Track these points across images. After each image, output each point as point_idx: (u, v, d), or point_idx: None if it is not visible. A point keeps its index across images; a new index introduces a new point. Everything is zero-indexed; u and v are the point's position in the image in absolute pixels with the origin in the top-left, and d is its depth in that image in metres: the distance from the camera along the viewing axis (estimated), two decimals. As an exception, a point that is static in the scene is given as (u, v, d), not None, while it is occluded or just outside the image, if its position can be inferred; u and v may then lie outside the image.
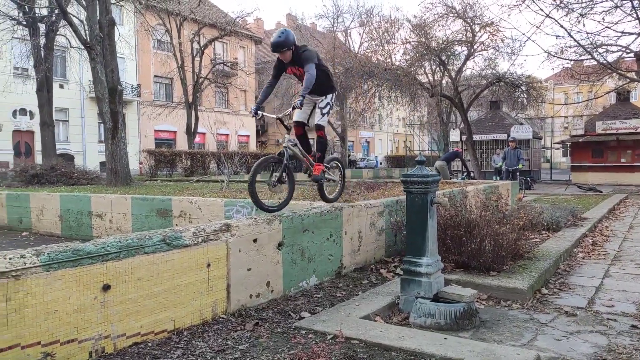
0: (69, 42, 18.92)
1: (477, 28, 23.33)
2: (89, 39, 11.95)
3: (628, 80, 17.36)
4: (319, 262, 4.39)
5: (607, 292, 4.48)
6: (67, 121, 30.09)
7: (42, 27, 17.65)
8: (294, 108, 4.35)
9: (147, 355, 2.74)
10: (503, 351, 2.76)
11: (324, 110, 4.67)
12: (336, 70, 27.40)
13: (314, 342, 2.89)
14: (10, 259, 2.40)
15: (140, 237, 2.99)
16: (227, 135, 40.39)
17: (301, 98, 4.23)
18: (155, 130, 35.10)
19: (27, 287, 2.39)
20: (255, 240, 3.71)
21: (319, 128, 4.71)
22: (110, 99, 12.07)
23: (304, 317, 3.46)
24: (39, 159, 23.15)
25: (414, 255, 3.73)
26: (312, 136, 4.81)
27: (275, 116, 4.52)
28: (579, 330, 3.51)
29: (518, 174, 13.21)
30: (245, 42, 37.52)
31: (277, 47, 4.31)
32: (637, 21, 13.65)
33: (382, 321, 3.48)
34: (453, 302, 3.62)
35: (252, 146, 41.68)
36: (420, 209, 3.66)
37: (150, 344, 2.88)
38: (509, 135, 24.93)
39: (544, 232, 6.96)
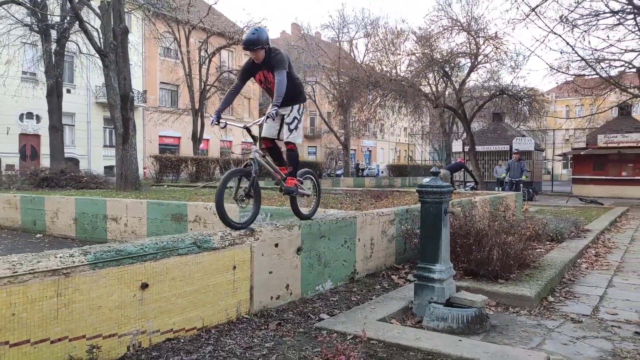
0: (79, 48, 19.25)
1: (481, 41, 23.65)
2: (102, 47, 12.20)
3: (630, 95, 17.58)
4: (334, 267, 4.57)
5: (610, 300, 4.65)
6: (74, 125, 30.37)
7: (53, 33, 17.93)
8: (267, 118, 3.98)
9: (180, 350, 2.92)
10: (515, 352, 2.94)
11: (292, 126, 4.32)
12: (341, 80, 27.74)
13: (336, 341, 3.06)
14: (60, 257, 2.59)
15: (174, 240, 3.18)
16: (231, 141, 40.68)
17: (276, 108, 3.91)
18: (160, 136, 35.40)
19: (76, 284, 2.57)
20: (276, 245, 3.90)
21: (288, 143, 4.37)
22: (122, 105, 12.31)
23: (323, 319, 3.63)
24: (44, 162, 23.40)
25: (427, 261, 3.91)
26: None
27: (241, 125, 4.24)
28: (585, 336, 3.68)
29: (521, 185, 13.39)
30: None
31: (249, 44, 4.01)
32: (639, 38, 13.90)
33: (398, 324, 3.66)
34: (465, 307, 3.79)
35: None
36: (434, 217, 3.84)
37: (182, 340, 3.06)
38: (511, 147, 25.17)
39: (548, 242, 7.13)
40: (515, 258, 5.02)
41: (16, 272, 2.35)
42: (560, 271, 5.35)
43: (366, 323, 3.41)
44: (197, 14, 22.23)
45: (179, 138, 36.61)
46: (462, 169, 16.01)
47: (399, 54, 24.72)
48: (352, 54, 36.61)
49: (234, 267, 3.53)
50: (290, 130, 4.30)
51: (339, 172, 37.80)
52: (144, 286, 2.90)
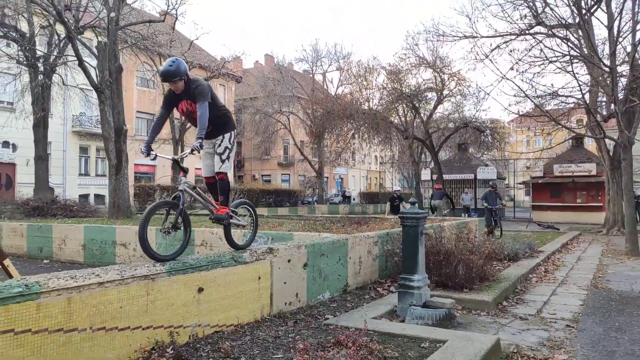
0: (63, 80, 19.94)
1: (446, 77, 25.58)
2: (99, 84, 13.05)
3: (574, 134, 19.49)
4: (332, 280, 5.57)
5: (552, 305, 5.81)
6: (49, 154, 30.49)
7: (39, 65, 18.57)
8: (192, 151, 3.97)
9: (226, 339, 3.84)
10: (475, 336, 3.99)
11: (223, 156, 4.36)
12: (316, 113, 29.09)
13: (342, 331, 4.05)
14: (147, 267, 3.53)
15: (218, 255, 4.14)
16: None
17: (200, 140, 3.91)
18: (135, 164, 35.74)
19: (158, 287, 3.50)
20: (289, 261, 4.88)
21: (219, 173, 4.41)
22: (116, 138, 13.11)
23: (328, 318, 4.62)
24: (22, 190, 23.56)
25: (408, 273, 4.97)
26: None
27: (171, 157, 4.33)
28: (529, 328, 4.79)
29: (498, 212, 14.42)
30: (227, 81, 39.04)
31: (167, 76, 3.96)
32: (584, 81, 15.74)
33: (387, 321, 4.68)
34: (437, 308, 4.85)
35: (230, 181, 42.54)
36: (413, 237, 4.93)
37: (226, 333, 3.99)
38: (475, 176, 26.89)
39: (506, 261, 8.33)
40: (477, 272, 6.16)
41: (123, 276, 3.28)
42: (513, 283, 6.50)
43: (364, 320, 4.41)
44: (179, 49, 23.27)
45: (154, 166, 37.04)
46: (445, 196, 17.53)
47: (371, 89, 26.32)
48: (325, 85, 38.26)
49: (259, 278, 4.49)
50: (222, 161, 4.36)
51: (310, 199, 38.84)
52: (200, 290, 3.84)
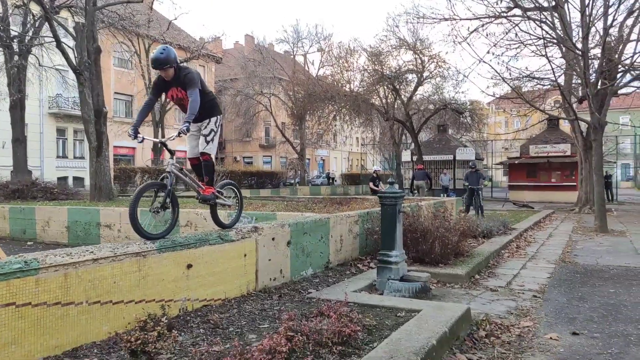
0: (39, 60, 19.56)
1: (426, 59, 25.80)
2: (77, 65, 12.89)
3: (548, 116, 20.02)
4: (314, 257, 5.82)
5: (521, 277, 6.18)
6: (26, 136, 29.92)
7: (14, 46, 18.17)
8: (179, 134, 4.06)
9: (215, 312, 4.06)
10: (448, 305, 4.29)
11: (208, 138, 4.48)
12: (297, 95, 29.06)
13: (325, 303, 4.30)
14: (139, 244, 3.70)
15: (205, 234, 4.33)
16: (186, 152, 41.02)
17: (187, 124, 4.03)
18: (115, 147, 35.31)
19: (149, 263, 3.68)
20: (273, 239, 5.10)
21: (204, 154, 4.52)
22: (96, 120, 13.02)
23: (311, 292, 4.87)
24: (0, 173, 23.19)
25: (386, 249, 5.23)
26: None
27: (158, 140, 4.37)
28: (499, 299, 5.13)
29: (480, 192, 14.71)
30: (207, 62, 38.57)
31: (158, 64, 4.10)
32: (558, 64, 16.14)
33: (367, 294, 4.95)
34: (414, 282, 5.14)
35: (212, 163, 42.39)
36: (391, 216, 5.18)
37: (214, 306, 4.20)
38: (454, 156, 27.40)
39: (480, 238, 8.71)
40: (452, 249, 6.47)
41: (116, 253, 3.45)
42: (486, 258, 6.86)
43: (345, 293, 4.67)
44: (158, 29, 22.93)
45: (134, 149, 36.65)
46: (426, 176, 18.05)
47: (352, 70, 26.41)
48: (306, 67, 38.12)
49: (245, 255, 4.70)
50: (207, 142, 4.46)
51: (292, 181, 39.05)
52: (189, 266, 4.04)
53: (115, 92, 34.77)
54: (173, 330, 3.17)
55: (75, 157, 32.75)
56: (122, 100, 36.03)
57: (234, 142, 49.21)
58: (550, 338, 3.88)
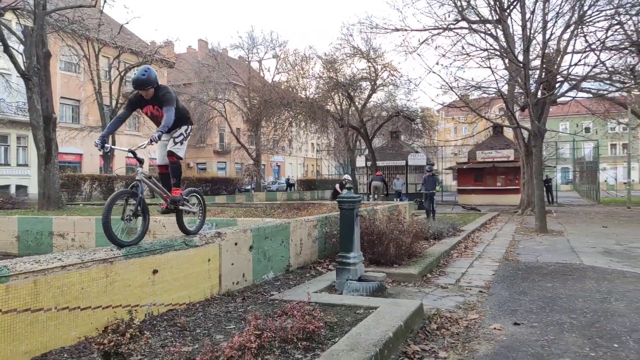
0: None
1: (379, 68, 26.55)
2: (26, 70, 12.47)
3: (493, 123, 21.17)
4: (275, 261, 6.00)
5: (468, 275, 6.62)
6: (-37, 142, 28.34)
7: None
8: (151, 141, 4.17)
9: (181, 315, 4.17)
10: (402, 302, 4.59)
11: (177, 139, 4.67)
12: (253, 101, 29.06)
13: (288, 304, 4.50)
14: (105, 251, 3.77)
15: (170, 240, 4.44)
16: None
17: (160, 132, 4.17)
18: (60, 153, 33.93)
19: (116, 269, 3.76)
20: (236, 244, 5.25)
21: (171, 154, 4.64)
22: (45, 126, 12.64)
23: (273, 294, 5.05)
24: None
25: (345, 251, 5.50)
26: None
27: (127, 149, 4.46)
28: (448, 295, 5.51)
29: (434, 197, 15.36)
30: (160, 67, 37.85)
31: (140, 84, 4.32)
32: (502, 75, 17.14)
33: (327, 294, 5.19)
34: (371, 282, 5.43)
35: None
36: (349, 220, 5.46)
37: (179, 310, 4.31)
38: (407, 162, 28.26)
39: (431, 240, 9.17)
40: (406, 250, 6.84)
41: (83, 260, 3.52)
42: (437, 258, 7.27)
43: (307, 293, 4.89)
44: (109, 33, 22.39)
45: (81, 155, 35.39)
46: (382, 181, 18.85)
47: (308, 77, 26.77)
48: (261, 73, 38.17)
49: (209, 260, 4.83)
50: (175, 143, 4.65)
51: (248, 187, 38.90)
52: (155, 272, 4.13)
53: (62, 97, 33.44)
54: (145, 332, 3.28)
55: (18, 165, 31.22)
56: (69, 105, 34.70)
57: (187, 148, 48.26)
58: (494, 328, 4.25)
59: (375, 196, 19.14)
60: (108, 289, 3.68)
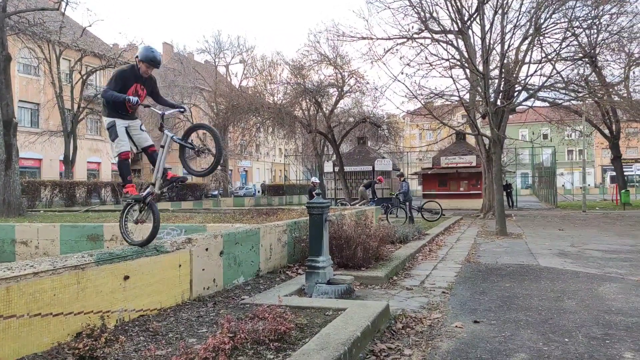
0: None
1: (346, 74, 26.93)
2: (-16, 73, 12.10)
3: (455, 130, 21.85)
4: (245, 266, 6.09)
5: (432, 277, 6.88)
6: None
7: None
8: (182, 111, 5.33)
9: (152, 321, 4.22)
10: (370, 303, 4.78)
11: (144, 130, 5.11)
12: (220, 106, 28.90)
13: (259, 307, 4.61)
14: (77, 258, 3.80)
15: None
16: (99, 163, 39.05)
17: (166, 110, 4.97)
18: (19, 158, 32.78)
19: (87, 275, 3.79)
20: (207, 249, 5.32)
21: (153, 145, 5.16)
22: (5, 131, 12.28)
23: (244, 299, 5.15)
24: None
25: (314, 255, 5.65)
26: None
27: (160, 112, 5.06)
28: (413, 296, 5.73)
29: (407, 202, 15.82)
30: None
31: (159, 63, 4.69)
32: (463, 84, 17.76)
33: (297, 297, 5.32)
34: (339, 284, 5.60)
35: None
36: (318, 224, 5.61)
37: (150, 316, 4.35)
38: (373, 167, 28.73)
39: (398, 243, 9.43)
40: (373, 254, 7.06)
41: (55, 267, 3.54)
42: (403, 261, 7.52)
43: (278, 297, 5.01)
44: (71, 36, 21.87)
45: (40, 160, 34.30)
46: (371, 187, 19.22)
47: (276, 83, 26.87)
48: (228, 78, 37.99)
49: (180, 265, 4.89)
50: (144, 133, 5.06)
51: (215, 192, 38.55)
52: (126, 278, 4.17)
53: (21, 100, 32.34)
54: (120, 336, 3.33)
55: (-28, 170, 29.91)
56: (28, 109, 33.59)
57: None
58: (456, 326, 4.49)
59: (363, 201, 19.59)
60: (80, 295, 3.71)
